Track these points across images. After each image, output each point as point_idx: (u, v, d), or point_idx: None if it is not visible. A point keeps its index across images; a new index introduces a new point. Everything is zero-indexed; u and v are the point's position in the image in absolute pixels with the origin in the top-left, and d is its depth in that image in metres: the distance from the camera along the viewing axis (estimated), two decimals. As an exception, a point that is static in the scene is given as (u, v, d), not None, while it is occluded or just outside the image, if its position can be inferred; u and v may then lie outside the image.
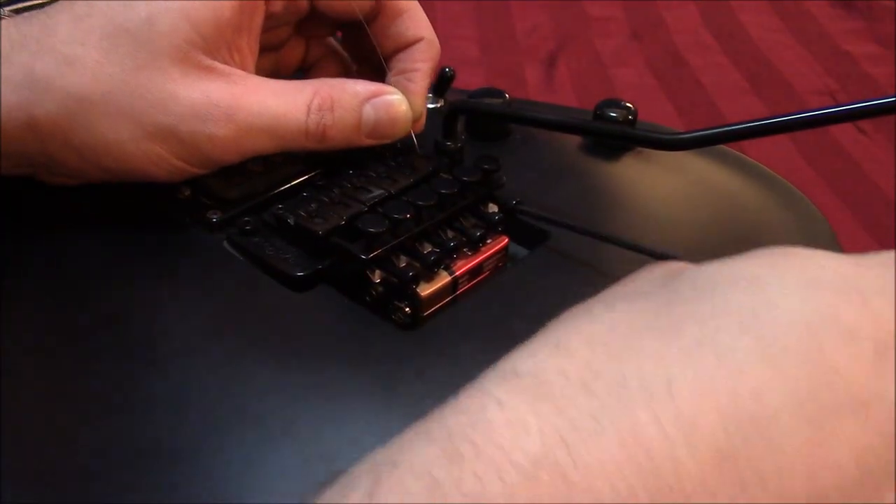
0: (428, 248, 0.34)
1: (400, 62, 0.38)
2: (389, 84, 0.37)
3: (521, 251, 0.37)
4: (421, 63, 0.38)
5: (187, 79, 0.32)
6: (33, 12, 0.33)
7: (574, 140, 0.44)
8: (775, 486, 0.17)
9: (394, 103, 0.35)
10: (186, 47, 0.32)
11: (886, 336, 0.18)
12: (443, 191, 0.34)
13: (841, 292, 0.18)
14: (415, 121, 0.37)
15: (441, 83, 0.45)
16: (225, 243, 0.35)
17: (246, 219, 0.35)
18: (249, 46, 0.35)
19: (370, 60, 0.40)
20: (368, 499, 0.17)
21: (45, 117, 0.31)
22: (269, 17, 0.36)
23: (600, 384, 0.18)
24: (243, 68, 0.34)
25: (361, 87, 0.35)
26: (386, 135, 0.36)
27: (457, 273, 0.33)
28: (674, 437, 0.17)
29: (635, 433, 0.17)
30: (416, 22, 0.38)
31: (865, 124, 0.71)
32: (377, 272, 0.33)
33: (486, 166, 0.36)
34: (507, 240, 0.36)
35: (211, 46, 0.33)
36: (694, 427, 0.17)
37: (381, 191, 0.36)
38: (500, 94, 0.44)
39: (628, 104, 0.43)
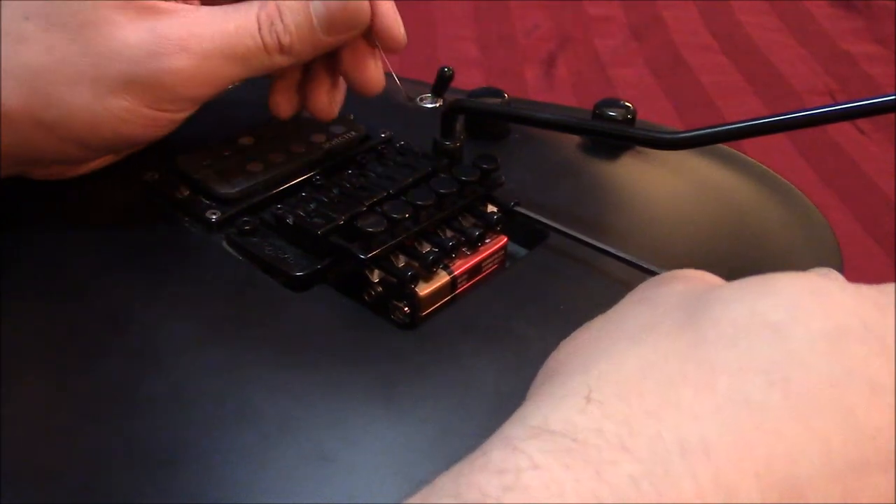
0: (427, 248, 0.34)
1: None
2: None
3: (520, 251, 0.37)
4: None
5: (133, 23, 0.31)
6: None
7: (573, 140, 0.44)
8: None
9: None
10: None
11: None
12: (442, 190, 0.34)
13: (864, 342, 0.18)
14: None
15: (440, 83, 0.45)
16: (224, 243, 0.35)
17: (245, 218, 0.35)
18: None
19: None
20: None
21: (12, 101, 0.31)
22: None
23: (639, 443, 0.17)
24: (188, 3, 0.34)
25: None
26: (346, 25, 0.34)
27: (455, 273, 0.33)
28: (715, 503, 0.17)
29: (677, 498, 0.17)
30: None
31: (864, 123, 0.71)
32: (376, 272, 0.33)
33: (484, 166, 0.36)
34: (505, 239, 0.36)
35: None
36: (732, 492, 0.17)
37: (381, 190, 0.36)
38: (499, 93, 0.44)
39: (627, 104, 0.43)
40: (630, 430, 0.18)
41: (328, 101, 0.38)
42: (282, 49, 0.34)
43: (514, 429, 0.19)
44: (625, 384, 0.19)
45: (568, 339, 0.23)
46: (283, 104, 0.39)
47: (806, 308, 0.19)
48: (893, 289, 0.20)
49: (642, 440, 0.17)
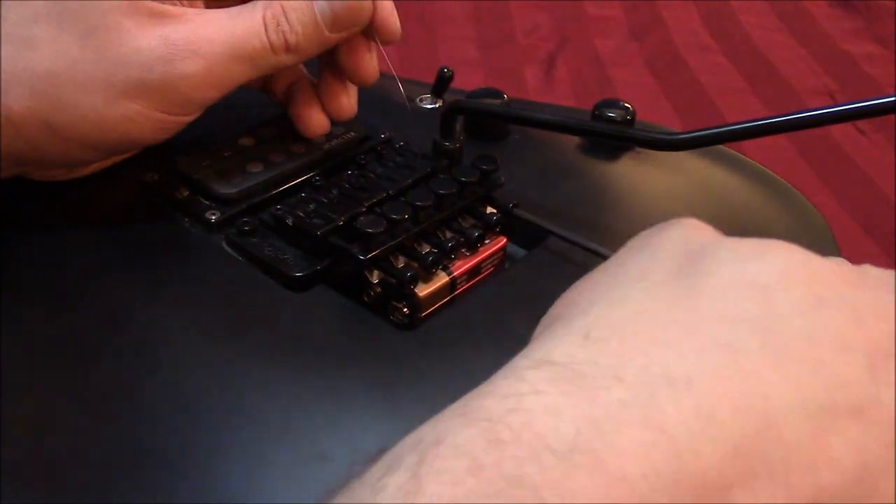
0: (426, 249, 0.34)
1: None
2: None
3: (519, 251, 0.37)
4: None
5: (143, 28, 0.32)
6: None
7: (573, 140, 0.44)
8: (782, 478, 0.18)
9: None
10: None
11: (876, 350, 0.20)
12: (441, 191, 0.34)
13: (840, 310, 0.20)
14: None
15: (439, 83, 0.45)
16: (223, 243, 0.35)
17: (244, 219, 0.35)
18: None
19: None
20: (413, 476, 0.17)
21: (19, 105, 0.31)
22: None
23: (629, 373, 0.19)
24: (193, 7, 0.34)
25: None
26: (350, 22, 0.35)
27: (455, 273, 0.34)
28: (694, 429, 0.18)
29: (661, 422, 0.18)
30: None
31: (864, 124, 0.71)
32: (375, 272, 0.33)
33: (484, 166, 0.36)
34: (505, 240, 0.36)
35: None
36: (711, 421, 0.18)
37: (380, 191, 0.36)
38: (498, 94, 0.44)
39: (626, 104, 0.43)
40: (622, 362, 0.19)
41: (346, 99, 0.39)
42: (288, 48, 0.34)
43: (519, 361, 0.20)
44: (620, 324, 0.20)
45: (571, 287, 0.24)
46: (314, 118, 0.39)
47: (792, 276, 0.21)
48: (868, 268, 0.22)
49: (632, 370, 0.19)
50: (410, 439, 0.19)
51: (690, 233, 0.24)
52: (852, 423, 0.19)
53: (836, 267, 0.21)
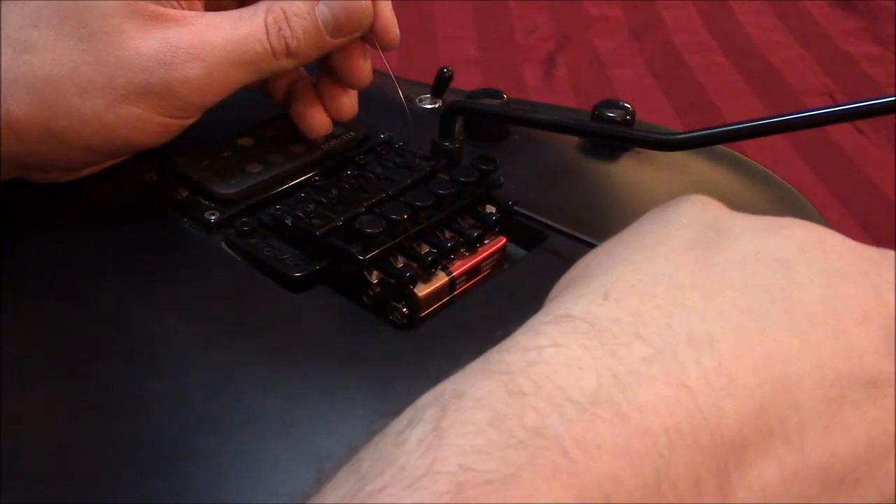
0: (425, 249, 0.34)
1: None
2: None
3: (518, 252, 0.37)
4: None
5: (144, 31, 0.32)
6: None
7: (572, 141, 0.44)
8: (797, 439, 0.19)
9: None
10: (133, 1, 0.32)
11: (893, 324, 0.20)
12: (440, 191, 0.34)
13: (859, 284, 0.21)
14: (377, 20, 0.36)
15: (439, 83, 0.45)
16: (223, 244, 0.35)
17: (244, 219, 0.35)
18: None
19: None
20: (435, 429, 0.18)
21: (19, 109, 0.31)
22: None
23: (650, 331, 0.19)
24: (193, 10, 0.34)
25: None
26: (351, 29, 0.35)
27: (454, 273, 0.33)
28: (716, 387, 0.18)
29: (683, 379, 0.18)
30: None
31: (864, 124, 0.71)
32: (375, 273, 0.33)
33: (483, 167, 0.36)
34: (504, 240, 0.36)
35: None
36: (733, 380, 0.18)
37: (379, 191, 0.36)
38: (498, 94, 0.44)
39: (626, 104, 0.43)
40: (643, 320, 0.19)
41: (347, 100, 0.39)
42: (289, 52, 0.34)
43: (538, 317, 0.21)
44: (639, 286, 0.21)
45: (584, 257, 0.25)
46: (316, 118, 0.39)
47: (811, 250, 0.21)
48: (886, 250, 0.22)
49: (653, 329, 0.19)
50: (431, 394, 0.19)
51: (703, 206, 0.24)
52: (865, 395, 0.19)
53: (853, 244, 0.22)
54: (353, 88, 0.39)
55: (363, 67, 0.38)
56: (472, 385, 0.19)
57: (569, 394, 0.18)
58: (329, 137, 0.40)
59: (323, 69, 0.39)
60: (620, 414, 0.18)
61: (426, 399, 0.19)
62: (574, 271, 0.24)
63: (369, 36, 0.37)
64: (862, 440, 0.19)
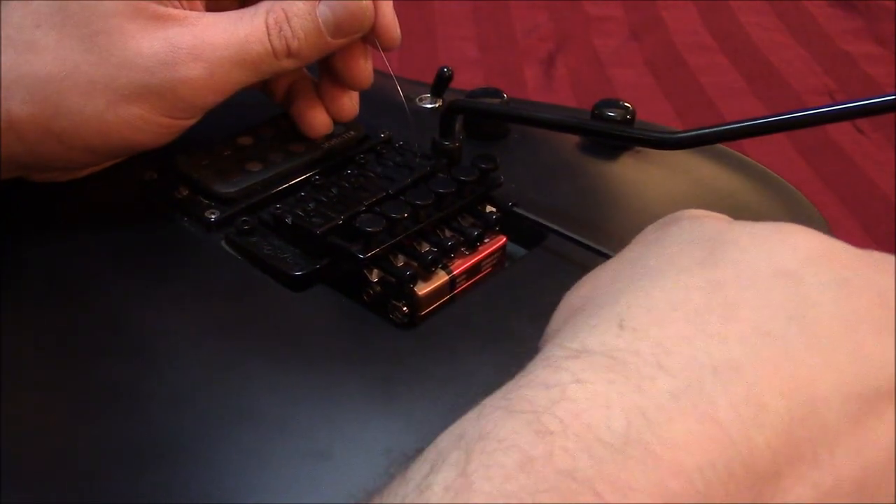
0: (426, 248, 0.34)
1: None
2: None
3: (519, 250, 0.37)
4: None
5: (146, 31, 0.32)
6: None
7: (572, 140, 0.44)
8: (828, 460, 0.18)
9: None
10: (135, 0, 0.32)
11: None
12: (440, 190, 0.34)
13: (867, 293, 0.20)
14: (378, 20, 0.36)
15: (439, 83, 0.45)
16: (223, 243, 0.35)
17: (244, 218, 0.35)
18: None
19: None
20: (461, 474, 0.17)
21: (20, 109, 0.31)
22: None
23: (674, 362, 0.19)
24: (194, 10, 0.34)
25: None
26: (352, 29, 0.35)
27: (454, 272, 0.34)
28: (745, 417, 0.18)
29: (712, 412, 0.18)
30: None
31: (864, 123, 0.71)
32: (375, 271, 0.33)
33: (483, 166, 0.36)
34: (504, 239, 0.36)
35: None
36: (762, 408, 0.18)
37: (380, 190, 0.36)
38: (498, 93, 0.44)
39: (626, 104, 0.43)
40: (664, 350, 0.19)
41: (348, 100, 0.39)
42: (290, 53, 0.34)
43: (553, 351, 0.20)
44: (654, 313, 0.20)
45: (580, 282, 0.24)
46: (317, 118, 0.39)
47: (817, 261, 0.21)
48: (887, 255, 0.22)
49: (676, 359, 0.19)
50: (451, 435, 0.18)
51: (701, 221, 0.24)
52: (887, 403, 0.19)
53: (854, 250, 0.22)
54: (354, 90, 0.39)
55: (364, 69, 0.38)
56: (495, 425, 0.18)
57: (598, 433, 0.17)
58: (329, 137, 0.40)
59: (324, 71, 0.39)
60: (653, 453, 0.17)
61: (447, 441, 0.18)
62: (574, 299, 0.23)
63: (370, 36, 0.37)
64: (886, 446, 0.19)
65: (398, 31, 0.37)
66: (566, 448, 0.17)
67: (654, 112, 0.73)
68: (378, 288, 0.33)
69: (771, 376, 0.18)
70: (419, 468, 0.18)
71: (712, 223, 0.23)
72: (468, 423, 0.19)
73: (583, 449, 0.17)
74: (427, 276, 0.33)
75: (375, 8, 0.36)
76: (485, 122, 0.43)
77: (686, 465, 0.17)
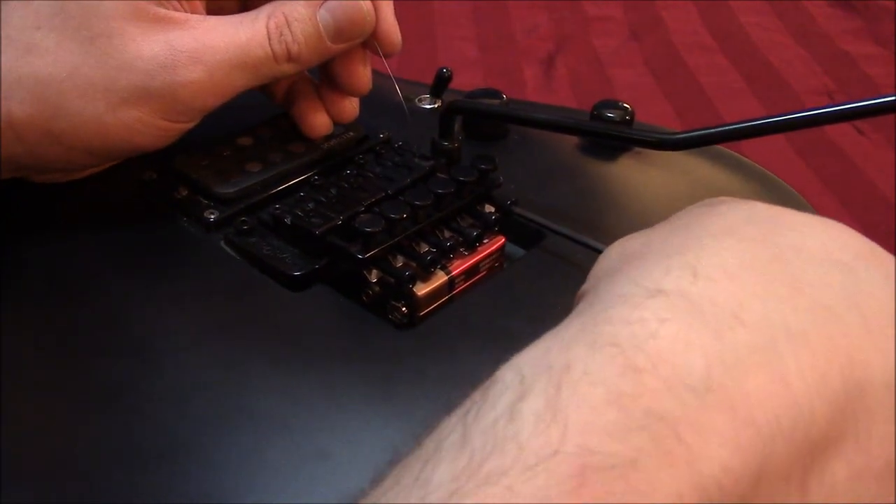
0: (425, 248, 0.34)
1: None
2: None
3: (517, 251, 0.37)
4: None
5: (146, 34, 0.32)
6: None
7: (571, 140, 0.44)
8: (865, 441, 0.19)
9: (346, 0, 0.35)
10: (136, 2, 0.32)
11: None
12: (439, 191, 0.34)
13: None
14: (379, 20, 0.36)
15: (438, 83, 0.45)
16: (222, 243, 0.35)
17: (243, 218, 0.36)
18: None
19: None
20: (550, 405, 0.17)
21: (20, 111, 0.31)
22: None
23: (751, 318, 0.19)
24: (195, 12, 0.34)
25: None
26: (352, 34, 0.35)
27: (453, 273, 0.34)
28: (811, 384, 0.18)
29: (785, 373, 0.18)
30: None
31: (863, 124, 0.71)
32: (374, 272, 0.33)
33: (483, 166, 0.36)
34: (503, 240, 0.36)
35: None
36: (825, 381, 0.19)
37: (379, 191, 0.36)
38: (497, 94, 0.44)
39: (625, 104, 0.43)
40: (739, 304, 0.19)
41: (349, 102, 0.39)
42: (290, 58, 0.34)
43: (627, 288, 0.20)
44: (726, 268, 0.20)
45: (626, 239, 0.24)
46: (317, 119, 0.39)
47: (867, 257, 0.22)
48: None
49: (751, 315, 0.19)
50: (536, 361, 0.19)
51: (754, 203, 0.24)
52: None
53: (883, 250, 0.22)
54: (354, 96, 0.39)
55: (363, 75, 0.38)
56: (578, 357, 0.18)
57: (682, 376, 0.18)
58: (328, 137, 0.40)
59: (323, 76, 0.39)
60: (731, 402, 0.17)
61: (529, 368, 0.18)
62: (628, 248, 0.23)
63: (371, 41, 0.37)
64: None
65: (399, 36, 0.37)
66: (654, 389, 0.17)
67: (654, 112, 0.73)
68: (377, 288, 0.33)
69: (832, 352, 0.19)
70: (503, 392, 0.18)
71: (765, 206, 0.24)
72: (550, 354, 0.19)
73: (668, 390, 0.17)
74: (426, 276, 0.33)
75: (376, 13, 0.36)
76: (484, 122, 0.43)
77: (757, 419, 0.17)
